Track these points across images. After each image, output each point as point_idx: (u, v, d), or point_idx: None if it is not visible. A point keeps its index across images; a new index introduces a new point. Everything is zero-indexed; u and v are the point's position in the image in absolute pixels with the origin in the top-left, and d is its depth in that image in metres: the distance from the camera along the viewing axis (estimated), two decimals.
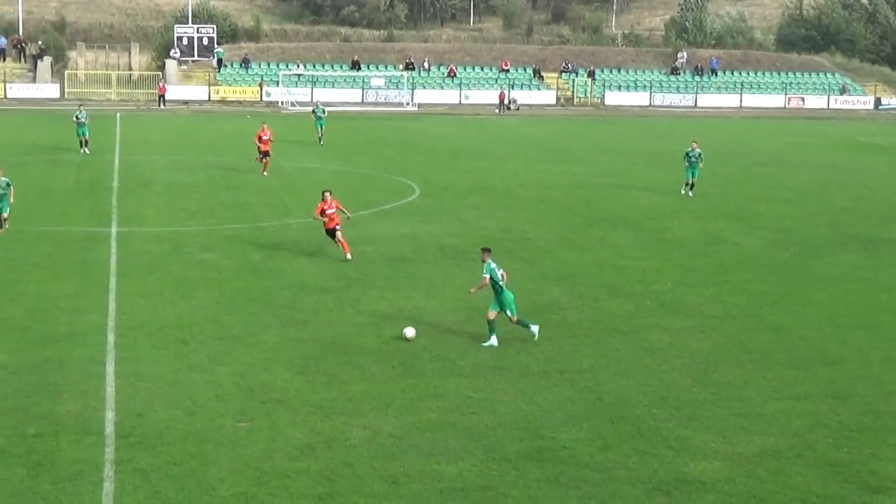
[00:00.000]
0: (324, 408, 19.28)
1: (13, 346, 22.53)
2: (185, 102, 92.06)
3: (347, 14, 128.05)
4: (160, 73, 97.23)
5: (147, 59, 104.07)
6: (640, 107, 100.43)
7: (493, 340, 23.30)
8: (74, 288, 27.57)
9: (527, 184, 48.76)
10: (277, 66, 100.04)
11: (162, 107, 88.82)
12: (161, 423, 18.26)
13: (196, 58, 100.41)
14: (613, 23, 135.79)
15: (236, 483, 16.08)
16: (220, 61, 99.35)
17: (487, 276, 23.34)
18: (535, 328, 23.70)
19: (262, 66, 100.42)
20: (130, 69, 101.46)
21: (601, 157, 60.32)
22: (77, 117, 55.91)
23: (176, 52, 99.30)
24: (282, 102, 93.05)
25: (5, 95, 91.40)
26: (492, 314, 23.40)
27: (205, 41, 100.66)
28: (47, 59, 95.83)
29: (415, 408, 19.41)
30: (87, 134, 55.82)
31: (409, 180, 48.35)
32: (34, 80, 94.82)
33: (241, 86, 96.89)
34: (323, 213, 31.56)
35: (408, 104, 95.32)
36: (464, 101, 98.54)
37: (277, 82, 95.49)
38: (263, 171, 49.06)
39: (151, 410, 18.85)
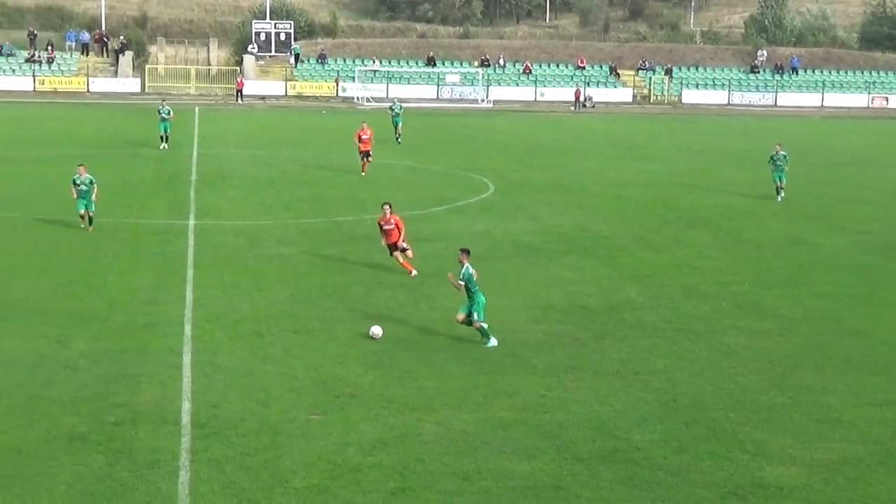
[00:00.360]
0: (396, 403, 19.30)
1: (94, 335, 22.84)
2: (262, 97, 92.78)
3: (423, 11, 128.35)
4: (238, 68, 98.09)
5: (225, 55, 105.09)
6: (718, 105, 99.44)
7: (493, 340, 22.96)
8: (153, 279, 27.89)
9: (602, 182, 48.51)
10: (353, 61, 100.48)
11: (239, 101, 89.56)
12: (236, 415, 18.40)
13: (273, 53, 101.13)
14: (692, 20, 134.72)
15: (309, 475, 16.15)
16: (297, 57, 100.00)
17: (463, 283, 23.04)
18: (493, 341, 22.93)
19: (338, 62, 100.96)
20: (209, 64, 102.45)
21: (678, 156, 59.83)
22: (160, 112, 55.62)
23: (254, 48, 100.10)
24: (357, 98, 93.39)
25: (88, 89, 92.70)
26: (461, 316, 23.11)
27: (282, 37, 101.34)
28: (129, 54, 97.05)
29: (487, 405, 19.36)
30: (169, 130, 55.41)
31: (484, 177, 48.30)
32: (116, 74, 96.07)
33: (317, 81, 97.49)
34: (380, 226, 29.58)
35: (483, 101, 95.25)
36: (539, 98, 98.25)
37: (353, 78, 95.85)
38: (362, 170, 48.06)
39: (227, 401, 19.00)
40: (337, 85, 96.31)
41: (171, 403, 18.81)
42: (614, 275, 30.07)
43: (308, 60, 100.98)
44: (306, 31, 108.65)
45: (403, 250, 29.22)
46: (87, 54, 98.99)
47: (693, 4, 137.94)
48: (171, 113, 55.78)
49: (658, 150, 62.79)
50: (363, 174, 47.76)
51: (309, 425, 18.08)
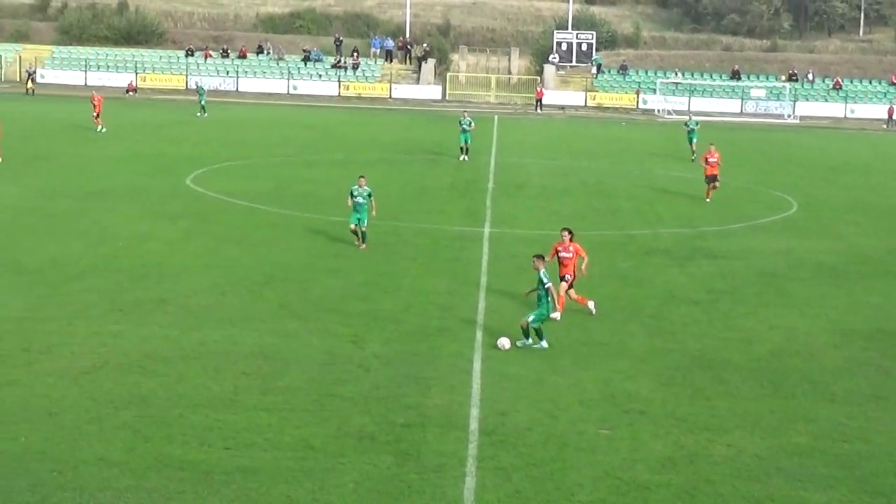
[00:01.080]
0: (687, 422, 18.80)
1: (387, 337, 23.27)
2: (562, 107, 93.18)
3: (728, 22, 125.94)
4: (538, 77, 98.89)
5: (526, 64, 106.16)
6: None
7: (543, 343, 22.71)
8: (447, 284, 28.23)
9: None
10: (655, 73, 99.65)
11: (538, 111, 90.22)
12: (523, 424, 18.32)
13: (574, 63, 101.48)
14: None
15: (595, 490, 15.89)
16: (598, 67, 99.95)
17: (551, 284, 22.59)
18: (544, 343, 22.72)
19: (639, 74, 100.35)
20: (509, 73, 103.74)
21: None
22: (461, 123, 55.46)
23: (554, 58, 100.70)
24: (658, 111, 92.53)
25: (391, 95, 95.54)
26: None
27: (583, 47, 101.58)
28: (431, 61, 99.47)
29: (783, 430, 18.61)
30: (469, 141, 54.91)
31: (787, 194, 46.84)
32: (418, 81, 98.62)
33: (617, 92, 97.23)
34: (557, 254, 26.08)
35: (789, 116, 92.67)
36: (849, 115, 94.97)
37: (654, 90, 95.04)
38: (707, 196, 44.20)
39: (515, 410, 18.95)
40: (637, 97, 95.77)
41: (460, 409, 18.91)
42: None
43: (609, 71, 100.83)
44: (608, 41, 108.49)
45: (570, 285, 25.88)
46: (391, 61, 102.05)
47: None
48: (473, 124, 55.66)
49: None
50: (707, 200, 44.15)
51: (597, 439, 17.82)
